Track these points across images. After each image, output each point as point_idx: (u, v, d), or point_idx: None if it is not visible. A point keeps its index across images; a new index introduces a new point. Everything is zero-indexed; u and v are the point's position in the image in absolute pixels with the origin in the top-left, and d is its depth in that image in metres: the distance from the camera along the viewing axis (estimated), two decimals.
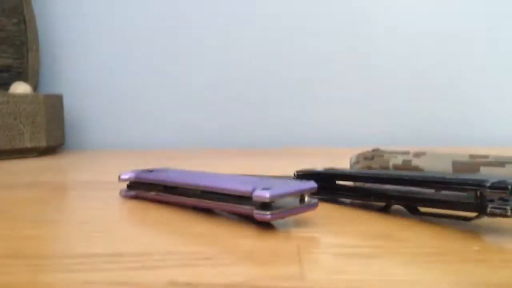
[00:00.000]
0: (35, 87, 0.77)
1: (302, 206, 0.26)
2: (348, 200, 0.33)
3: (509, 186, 0.21)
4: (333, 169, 0.33)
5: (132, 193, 0.34)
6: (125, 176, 0.34)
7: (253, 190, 0.24)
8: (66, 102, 0.81)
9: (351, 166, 0.40)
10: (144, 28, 0.82)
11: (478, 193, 0.23)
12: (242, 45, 0.81)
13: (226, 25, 0.81)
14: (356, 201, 0.32)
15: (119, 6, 0.82)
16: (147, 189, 0.33)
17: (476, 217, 0.24)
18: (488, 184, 0.22)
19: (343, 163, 0.42)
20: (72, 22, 0.82)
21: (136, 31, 0.82)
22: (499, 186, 0.22)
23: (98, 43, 0.82)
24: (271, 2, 0.80)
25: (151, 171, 0.34)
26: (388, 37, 0.78)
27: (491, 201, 0.23)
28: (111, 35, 0.82)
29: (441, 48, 0.78)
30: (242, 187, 0.25)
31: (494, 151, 0.35)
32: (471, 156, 0.33)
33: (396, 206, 0.29)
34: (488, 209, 0.22)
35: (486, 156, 0.32)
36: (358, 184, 0.33)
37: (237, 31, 0.80)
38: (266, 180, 0.27)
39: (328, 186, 0.32)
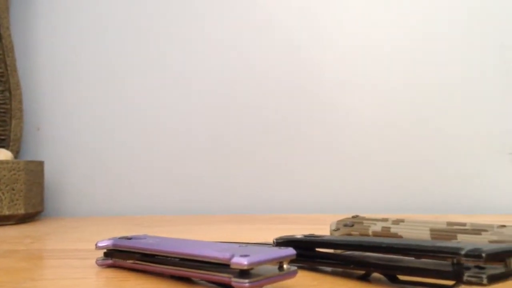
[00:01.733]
0: (16, 153, 0.76)
1: (281, 274, 0.26)
2: (329, 268, 0.32)
3: (484, 254, 0.22)
4: (312, 236, 0.33)
5: (109, 261, 0.33)
6: (102, 244, 0.33)
7: (231, 257, 0.24)
8: (47, 168, 0.80)
9: (331, 233, 0.40)
10: (126, 101, 0.83)
11: (455, 261, 0.24)
12: (224, 117, 0.82)
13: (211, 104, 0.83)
14: (337, 269, 0.32)
15: (102, 76, 0.83)
16: (124, 257, 0.32)
17: (454, 285, 0.24)
18: (463, 252, 0.23)
19: (324, 230, 0.42)
20: (55, 90, 0.83)
21: (118, 102, 0.83)
22: (474, 254, 0.22)
23: (81, 113, 0.83)
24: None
25: (129, 238, 0.34)
26: (361, 107, 0.81)
27: (468, 269, 0.23)
28: (93, 105, 0.83)
29: (418, 122, 0.80)
30: (220, 255, 0.25)
31: (471, 219, 0.36)
32: (449, 224, 0.33)
33: (377, 274, 0.29)
34: (464, 278, 0.23)
35: (463, 224, 0.32)
36: (339, 251, 0.33)
37: (222, 109, 0.83)
38: (244, 247, 0.27)
39: (308, 253, 0.32)
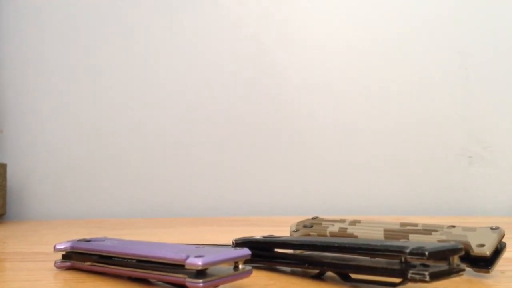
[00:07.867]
0: None
1: (236, 273, 0.26)
2: (288, 268, 0.33)
3: (426, 252, 0.23)
4: (271, 237, 0.34)
5: (67, 263, 0.33)
6: (60, 246, 0.33)
7: (186, 258, 0.25)
8: (10, 171, 0.79)
9: (291, 234, 0.41)
10: (90, 103, 0.82)
11: (403, 259, 0.24)
12: (186, 121, 0.82)
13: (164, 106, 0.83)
14: (296, 268, 0.33)
15: (66, 79, 0.82)
16: (82, 259, 0.32)
17: (401, 282, 0.25)
18: (408, 251, 0.24)
19: (284, 231, 0.43)
20: (18, 92, 0.82)
21: (82, 106, 0.82)
22: (418, 253, 0.23)
23: (44, 116, 0.82)
24: None
25: (88, 240, 0.34)
26: (323, 111, 0.82)
27: (414, 266, 0.24)
28: (57, 108, 0.82)
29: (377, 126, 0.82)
30: (175, 255, 0.25)
31: (424, 220, 0.37)
32: (402, 224, 0.34)
33: (331, 273, 0.30)
34: (409, 275, 0.23)
35: (415, 224, 0.34)
36: (298, 251, 0.33)
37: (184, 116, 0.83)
38: (201, 248, 0.28)
39: (266, 254, 0.33)
